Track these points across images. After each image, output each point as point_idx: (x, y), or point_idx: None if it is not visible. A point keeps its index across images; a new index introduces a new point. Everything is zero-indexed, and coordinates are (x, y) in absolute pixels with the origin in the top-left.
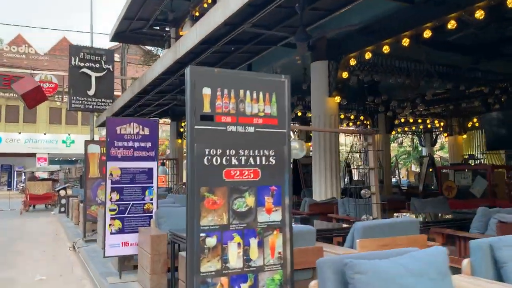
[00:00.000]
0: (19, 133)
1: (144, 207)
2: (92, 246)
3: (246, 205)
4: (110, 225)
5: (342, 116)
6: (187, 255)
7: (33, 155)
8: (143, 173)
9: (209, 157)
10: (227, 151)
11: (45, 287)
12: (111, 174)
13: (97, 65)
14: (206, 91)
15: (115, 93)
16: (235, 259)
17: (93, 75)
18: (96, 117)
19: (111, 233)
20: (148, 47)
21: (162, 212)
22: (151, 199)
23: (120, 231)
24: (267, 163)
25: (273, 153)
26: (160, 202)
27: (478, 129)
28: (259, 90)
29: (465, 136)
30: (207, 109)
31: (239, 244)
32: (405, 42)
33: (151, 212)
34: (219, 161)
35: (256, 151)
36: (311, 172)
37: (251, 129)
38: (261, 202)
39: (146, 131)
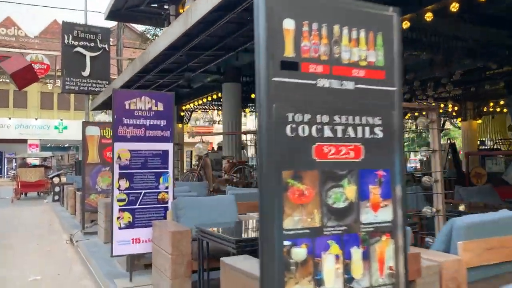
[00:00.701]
0: (9, 118)
1: (158, 197)
2: (92, 239)
3: (346, 198)
4: (118, 218)
5: None
6: (262, 275)
7: (24, 141)
8: (156, 157)
9: (294, 126)
10: (318, 117)
11: None
12: (119, 157)
13: (92, 44)
14: (289, 24)
15: (111, 75)
16: (332, 280)
17: (88, 54)
18: (91, 100)
19: (120, 228)
20: (142, 29)
21: (182, 202)
22: (167, 188)
23: (130, 225)
24: (371, 136)
25: (379, 122)
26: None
27: (493, 114)
28: (361, 27)
29: (480, 121)
30: (289, 52)
31: (337, 256)
32: (429, 17)
33: (167, 202)
34: (307, 131)
35: (357, 118)
36: None
37: (349, 85)
38: (364, 194)
39: (160, 107)
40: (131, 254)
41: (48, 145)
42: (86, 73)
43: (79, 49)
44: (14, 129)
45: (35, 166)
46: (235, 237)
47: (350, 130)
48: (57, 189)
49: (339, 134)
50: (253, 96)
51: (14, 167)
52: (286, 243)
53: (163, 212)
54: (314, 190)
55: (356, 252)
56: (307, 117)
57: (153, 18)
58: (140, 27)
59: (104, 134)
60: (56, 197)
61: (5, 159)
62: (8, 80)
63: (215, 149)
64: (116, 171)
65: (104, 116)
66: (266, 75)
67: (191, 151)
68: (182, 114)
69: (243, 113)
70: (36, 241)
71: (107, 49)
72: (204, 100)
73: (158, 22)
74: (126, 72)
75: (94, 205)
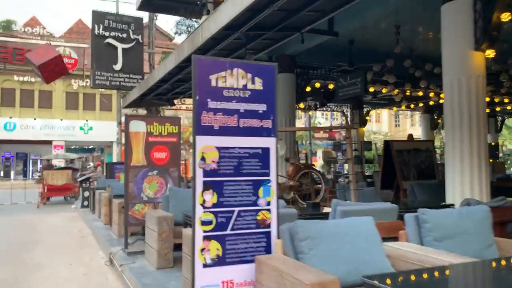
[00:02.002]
0: (35, 118)
1: (258, 217)
2: (139, 262)
3: None
4: (202, 250)
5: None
6: None
7: (49, 142)
8: (254, 157)
9: None
10: None
11: None
12: (202, 158)
13: (124, 35)
14: None
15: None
16: None
17: (120, 46)
18: (123, 97)
19: (205, 265)
20: (170, 28)
21: (306, 229)
22: (268, 204)
23: (220, 261)
24: None
25: None
26: None
27: None
28: None
29: None
30: None
31: None
32: None
33: (269, 226)
34: None
35: None
36: (408, 161)
37: None
38: None
39: (258, 84)
40: None
41: (72, 147)
42: (117, 66)
43: (110, 40)
44: (39, 130)
45: (61, 168)
46: None
47: None
48: (86, 193)
49: None
50: (308, 89)
51: (39, 169)
52: None
53: (265, 240)
54: None
55: None
56: None
57: (188, 8)
58: (166, 27)
59: (151, 130)
60: (86, 203)
61: (30, 160)
62: (33, 79)
63: None
64: (199, 178)
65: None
66: None
67: None
68: None
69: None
70: (68, 258)
71: (141, 41)
72: None
73: (193, 12)
74: (169, 60)
75: (140, 217)
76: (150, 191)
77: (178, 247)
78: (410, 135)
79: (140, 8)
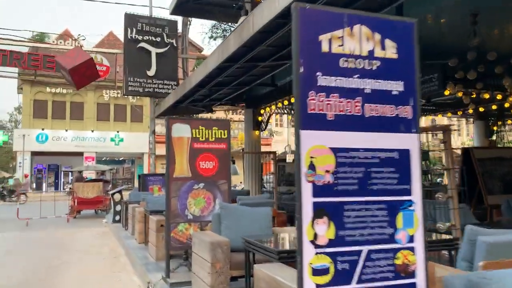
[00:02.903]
0: (66, 130)
1: (396, 261)
2: None
3: None
4: None
5: None
6: None
7: (80, 154)
8: (387, 165)
9: None
10: None
11: None
12: (311, 166)
13: (158, 39)
14: None
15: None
16: None
17: (154, 51)
18: (156, 105)
19: None
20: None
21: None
22: (411, 239)
23: None
24: None
25: None
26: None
27: None
28: None
29: None
30: None
31: None
32: None
33: (412, 274)
34: None
35: None
36: (492, 172)
37: None
38: None
39: (391, 50)
40: None
41: (103, 158)
42: (151, 72)
43: (143, 44)
44: (71, 142)
45: (92, 180)
46: None
47: None
48: (118, 207)
49: None
50: None
51: (70, 181)
52: None
53: None
54: None
55: None
56: None
57: (223, 11)
58: (197, 38)
59: (197, 135)
60: (117, 217)
61: (62, 172)
62: (65, 90)
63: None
64: (307, 199)
65: (162, 128)
66: None
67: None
68: (259, 118)
69: None
70: (101, 287)
71: (175, 45)
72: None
73: (229, 15)
74: (210, 61)
75: (184, 239)
76: (196, 208)
77: (233, 278)
78: (492, 141)
79: (174, 12)
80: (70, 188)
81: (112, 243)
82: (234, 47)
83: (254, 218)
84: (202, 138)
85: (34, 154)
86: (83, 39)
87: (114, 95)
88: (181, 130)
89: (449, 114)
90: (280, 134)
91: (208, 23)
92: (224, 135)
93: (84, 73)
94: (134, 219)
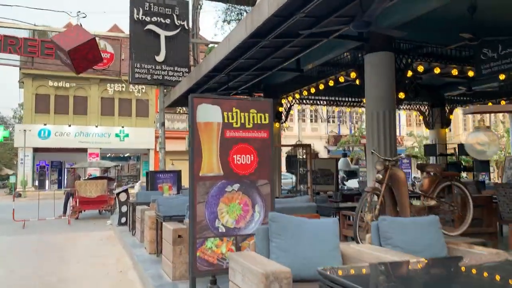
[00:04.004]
0: (69, 125)
1: None
2: None
3: None
4: None
5: None
6: None
7: (84, 150)
8: None
9: None
10: None
11: None
12: None
13: (168, 21)
14: None
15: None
16: None
17: (163, 33)
18: (165, 94)
19: None
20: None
21: None
22: None
23: None
24: None
25: None
26: None
27: None
28: None
29: None
30: None
31: None
32: None
33: None
34: None
35: None
36: None
37: None
38: None
39: None
40: None
41: (108, 155)
42: (160, 57)
43: (151, 26)
44: (74, 137)
45: (96, 178)
46: None
47: None
48: (124, 208)
49: None
50: (410, 74)
51: (66, 182)
52: None
53: None
54: None
55: None
56: None
57: None
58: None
59: (230, 120)
60: (123, 219)
61: (65, 169)
62: (68, 84)
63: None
64: None
65: (169, 123)
66: None
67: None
68: (280, 109)
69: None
70: None
71: (186, 27)
72: (313, 89)
73: None
74: (235, 35)
75: (213, 260)
76: (229, 217)
77: None
78: None
79: None
80: (65, 191)
81: (118, 251)
82: (268, 12)
83: (316, 234)
84: (236, 124)
85: (36, 150)
86: (84, 17)
87: (119, 89)
88: (210, 113)
89: (490, 104)
90: (290, 129)
91: (221, 6)
92: (265, 119)
93: (86, 56)
94: (143, 223)
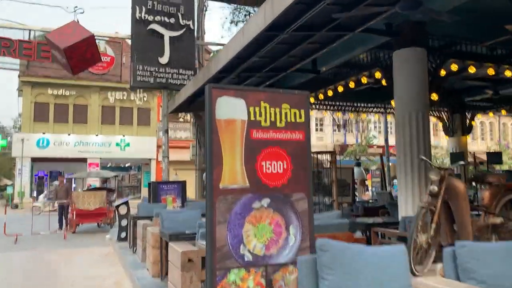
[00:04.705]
0: (69, 134)
1: None
2: None
3: None
4: None
5: None
6: None
7: (83, 160)
8: None
9: None
10: None
11: None
12: None
13: (172, 20)
14: None
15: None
16: None
17: (167, 34)
18: (170, 99)
19: None
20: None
21: None
22: None
23: None
24: None
25: None
26: None
27: None
28: None
29: None
30: None
31: None
32: None
33: None
34: None
35: None
36: None
37: None
38: None
39: None
40: None
41: (108, 165)
42: (164, 59)
43: (154, 26)
44: (73, 147)
45: (94, 188)
46: None
47: None
48: (124, 222)
49: None
50: (443, 73)
51: (73, 189)
52: None
53: None
54: None
55: None
56: None
57: None
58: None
59: (258, 117)
60: (123, 234)
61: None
62: (67, 92)
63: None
64: None
65: (171, 133)
66: None
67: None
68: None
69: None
70: None
71: (192, 27)
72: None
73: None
74: (250, 25)
75: None
76: (257, 241)
77: None
78: None
79: None
80: (58, 204)
81: (117, 272)
82: None
83: (382, 268)
84: (265, 122)
85: (34, 160)
86: (81, 13)
87: (120, 97)
88: (232, 108)
89: (504, 112)
90: None
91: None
92: (301, 117)
93: (83, 55)
94: (145, 241)
